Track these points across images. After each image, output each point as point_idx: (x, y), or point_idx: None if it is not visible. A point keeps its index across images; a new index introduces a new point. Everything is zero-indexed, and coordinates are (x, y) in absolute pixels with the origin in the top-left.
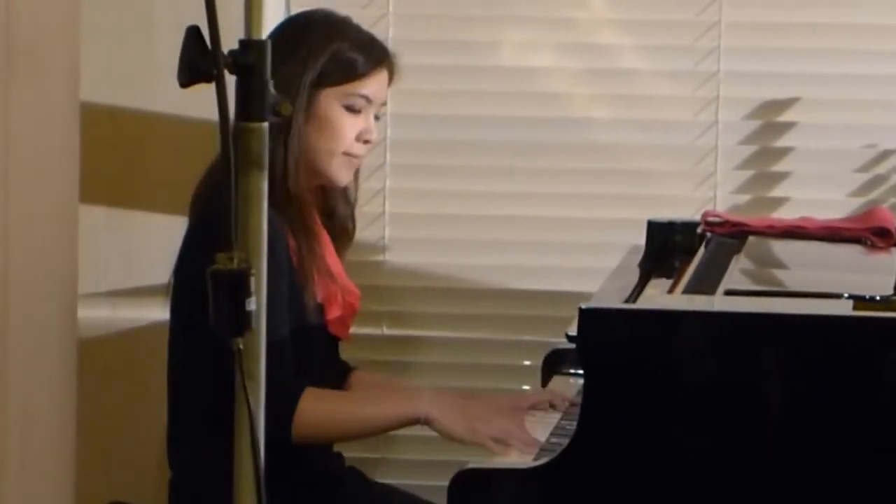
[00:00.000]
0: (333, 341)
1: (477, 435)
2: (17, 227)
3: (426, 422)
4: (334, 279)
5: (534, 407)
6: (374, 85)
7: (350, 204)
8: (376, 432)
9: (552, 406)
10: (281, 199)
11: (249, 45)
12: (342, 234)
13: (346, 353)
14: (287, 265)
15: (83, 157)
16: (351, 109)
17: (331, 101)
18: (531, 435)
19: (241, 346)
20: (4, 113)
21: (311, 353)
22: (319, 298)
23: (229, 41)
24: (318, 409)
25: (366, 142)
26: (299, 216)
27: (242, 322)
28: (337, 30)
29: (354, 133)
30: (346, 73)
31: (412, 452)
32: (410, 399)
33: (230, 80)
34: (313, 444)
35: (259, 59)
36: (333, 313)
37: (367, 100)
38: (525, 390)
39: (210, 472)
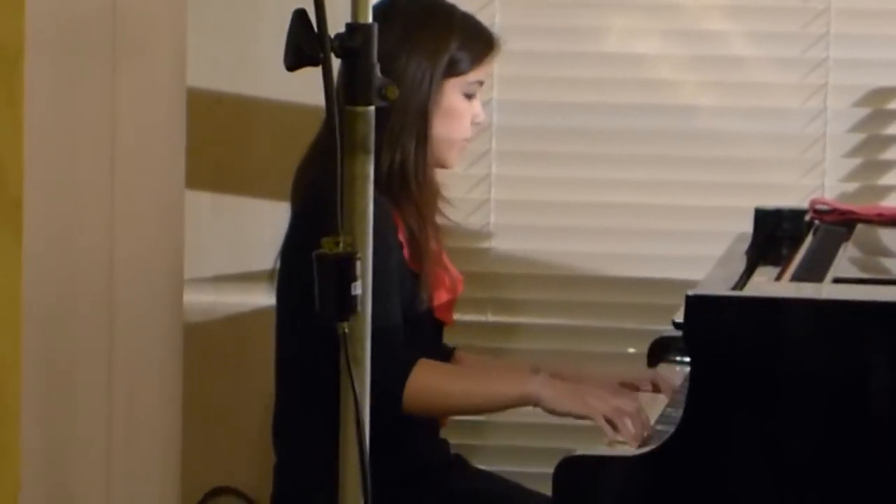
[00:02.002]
0: (439, 326)
1: (590, 409)
2: (124, 213)
3: (536, 402)
4: (443, 264)
5: (636, 387)
6: (487, 70)
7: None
8: (485, 410)
9: (655, 389)
10: (412, 189)
11: (356, 28)
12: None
13: (449, 339)
14: (397, 245)
15: (189, 143)
16: (469, 96)
17: (454, 90)
18: (646, 417)
19: (347, 330)
20: (111, 99)
21: (419, 336)
22: (429, 283)
23: (336, 24)
24: (430, 380)
25: (476, 124)
26: (428, 205)
27: (348, 306)
28: (454, 19)
29: (470, 118)
30: (470, 63)
31: (516, 439)
32: (522, 380)
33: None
34: (422, 415)
35: (365, 43)
36: (441, 298)
37: (481, 84)
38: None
39: (316, 458)
